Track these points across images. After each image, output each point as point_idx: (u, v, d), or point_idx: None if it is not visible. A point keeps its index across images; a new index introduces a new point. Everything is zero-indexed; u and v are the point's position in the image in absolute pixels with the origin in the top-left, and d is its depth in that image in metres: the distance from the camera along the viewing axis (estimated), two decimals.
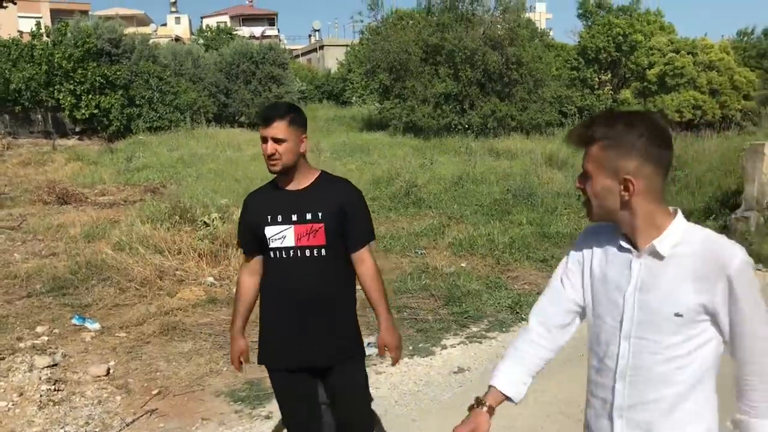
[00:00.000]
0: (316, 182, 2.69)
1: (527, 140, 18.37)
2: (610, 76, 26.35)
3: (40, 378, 4.52)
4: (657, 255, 1.64)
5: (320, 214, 2.60)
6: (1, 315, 5.96)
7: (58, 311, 6.09)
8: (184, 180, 13.30)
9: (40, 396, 4.28)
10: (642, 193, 1.61)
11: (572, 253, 1.90)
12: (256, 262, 2.77)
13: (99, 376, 4.70)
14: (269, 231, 2.64)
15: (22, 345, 5.18)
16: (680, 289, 1.61)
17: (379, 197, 10.91)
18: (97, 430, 4.01)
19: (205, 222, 8.29)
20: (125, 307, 6.22)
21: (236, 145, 18.28)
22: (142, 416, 4.18)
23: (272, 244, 2.64)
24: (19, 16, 40.59)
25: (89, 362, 4.95)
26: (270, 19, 56.87)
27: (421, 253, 8.06)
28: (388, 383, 4.70)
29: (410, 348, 5.33)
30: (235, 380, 4.70)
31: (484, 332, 5.73)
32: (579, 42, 26.09)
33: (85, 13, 35.35)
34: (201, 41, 35.04)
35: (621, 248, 1.73)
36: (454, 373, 4.90)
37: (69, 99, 20.77)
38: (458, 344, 5.46)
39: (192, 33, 47.97)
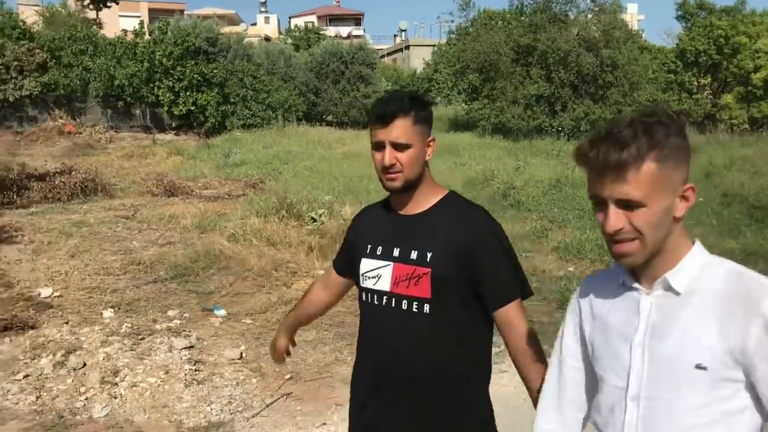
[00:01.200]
0: (437, 206, 1.90)
1: None
2: (709, 80, 25.37)
3: (181, 358, 4.79)
4: (672, 291, 1.30)
5: (429, 255, 1.82)
6: (132, 298, 6.33)
7: (184, 297, 6.41)
8: (281, 176, 13.68)
9: (185, 375, 4.54)
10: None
11: (567, 319, 1.53)
12: (338, 280, 2.21)
13: (233, 359, 4.93)
14: (364, 265, 1.95)
15: (158, 327, 5.49)
16: (703, 333, 1.24)
17: (476, 199, 10.73)
18: (240, 408, 4.22)
19: (312, 218, 8.52)
20: (246, 295, 6.49)
21: (326, 143, 18.67)
22: (278, 399, 4.37)
23: (364, 283, 1.95)
24: (120, 16, 42.76)
25: (221, 346, 5.20)
26: (356, 19, 57.65)
27: (526, 256, 8.02)
28: (514, 382, 4.69)
29: None
30: None
31: None
32: (677, 44, 25.25)
33: (181, 12, 36.88)
34: (289, 41, 35.85)
35: (625, 286, 1.36)
36: None
37: (168, 95, 21.70)
38: None
39: (280, 32, 49.22)
